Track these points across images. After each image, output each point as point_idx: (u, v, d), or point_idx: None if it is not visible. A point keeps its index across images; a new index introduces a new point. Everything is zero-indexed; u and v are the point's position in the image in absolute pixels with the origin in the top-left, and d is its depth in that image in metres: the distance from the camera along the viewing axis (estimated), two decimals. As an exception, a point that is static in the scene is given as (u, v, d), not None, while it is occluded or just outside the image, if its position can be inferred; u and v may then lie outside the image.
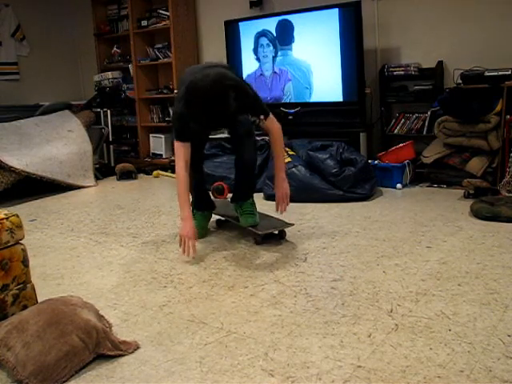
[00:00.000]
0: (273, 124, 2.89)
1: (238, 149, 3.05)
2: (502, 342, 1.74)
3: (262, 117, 2.82)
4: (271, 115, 2.87)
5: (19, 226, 1.99)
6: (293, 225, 3.06)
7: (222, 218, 3.36)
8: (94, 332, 1.77)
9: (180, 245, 2.70)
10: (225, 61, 5.18)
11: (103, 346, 1.78)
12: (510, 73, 3.86)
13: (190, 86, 2.59)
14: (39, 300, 2.06)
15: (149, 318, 2.09)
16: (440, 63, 4.32)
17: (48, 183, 4.69)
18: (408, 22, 4.50)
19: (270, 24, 4.81)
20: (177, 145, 2.79)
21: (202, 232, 3.16)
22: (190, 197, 2.99)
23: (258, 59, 4.95)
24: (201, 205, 3.24)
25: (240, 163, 3.07)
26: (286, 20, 4.72)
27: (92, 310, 1.93)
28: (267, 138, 4.81)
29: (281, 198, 2.94)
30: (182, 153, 2.76)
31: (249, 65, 5.01)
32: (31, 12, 6.26)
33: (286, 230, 3.06)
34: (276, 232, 3.02)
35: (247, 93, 2.76)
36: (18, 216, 2.00)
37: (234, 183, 3.20)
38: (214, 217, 3.35)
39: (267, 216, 3.20)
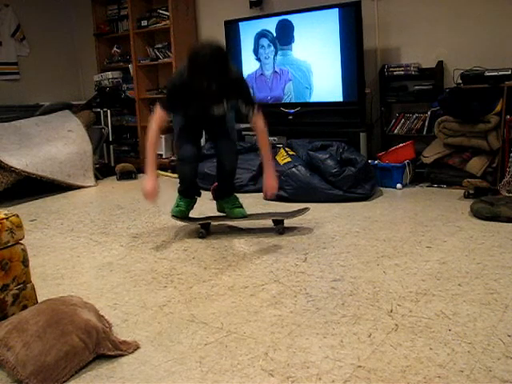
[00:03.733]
0: (260, 122, 2.98)
1: (221, 157, 3.20)
2: (502, 342, 1.74)
3: (255, 110, 2.94)
4: (260, 112, 2.98)
5: (19, 226, 1.99)
6: (308, 209, 3.30)
7: (206, 222, 3.27)
8: (93, 332, 1.77)
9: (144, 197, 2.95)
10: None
11: (103, 346, 1.78)
12: (510, 73, 3.86)
13: (191, 53, 2.71)
14: (39, 300, 2.06)
15: (149, 317, 2.09)
16: (440, 63, 4.32)
17: (48, 183, 4.69)
18: (408, 22, 4.50)
19: (270, 24, 4.81)
20: (158, 111, 2.93)
21: (187, 213, 3.31)
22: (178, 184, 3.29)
23: (258, 59, 4.95)
24: (189, 193, 3.30)
25: (222, 170, 3.24)
26: (286, 20, 4.72)
27: (92, 310, 1.93)
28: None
29: (267, 195, 3.14)
30: (159, 118, 2.94)
31: (249, 65, 5.00)
32: (31, 12, 6.25)
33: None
34: (295, 217, 3.22)
35: (243, 80, 2.99)
36: (18, 216, 2.00)
37: (217, 184, 3.37)
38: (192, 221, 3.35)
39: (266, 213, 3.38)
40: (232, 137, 3.22)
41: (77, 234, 3.41)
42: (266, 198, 3.28)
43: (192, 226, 3.38)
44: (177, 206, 3.27)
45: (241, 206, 3.28)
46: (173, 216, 3.27)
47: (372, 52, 4.64)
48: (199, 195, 3.40)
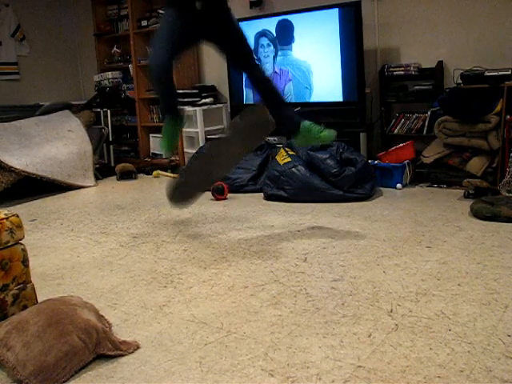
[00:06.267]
0: None
1: (263, 87, 2.95)
2: (502, 342, 1.74)
3: None
4: None
5: (19, 226, 1.99)
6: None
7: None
8: (94, 332, 1.77)
9: None
10: (225, 61, 5.16)
11: (103, 346, 1.78)
12: (510, 73, 3.86)
13: None
14: (39, 300, 2.06)
15: (149, 317, 2.09)
16: (440, 63, 4.32)
17: (48, 183, 4.69)
18: (408, 21, 4.50)
19: (270, 24, 4.81)
20: None
21: (172, 143, 3.03)
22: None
23: (258, 59, 4.95)
24: (169, 107, 2.97)
25: (271, 100, 2.96)
26: (286, 20, 4.72)
27: (92, 310, 1.93)
28: (268, 138, 4.81)
29: None
30: None
31: (249, 65, 5.00)
32: (31, 12, 6.26)
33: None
34: None
35: None
36: (18, 216, 2.00)
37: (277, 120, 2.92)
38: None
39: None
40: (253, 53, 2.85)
41: (77, 234, 3.41)
42: None
43: (193, 227, 3.39)
44: (162, 137, 3.00)
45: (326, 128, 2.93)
46: (163, 150, 3.05)
47: (372, 52, 4.64)
48: (179, 115, 2.97)
